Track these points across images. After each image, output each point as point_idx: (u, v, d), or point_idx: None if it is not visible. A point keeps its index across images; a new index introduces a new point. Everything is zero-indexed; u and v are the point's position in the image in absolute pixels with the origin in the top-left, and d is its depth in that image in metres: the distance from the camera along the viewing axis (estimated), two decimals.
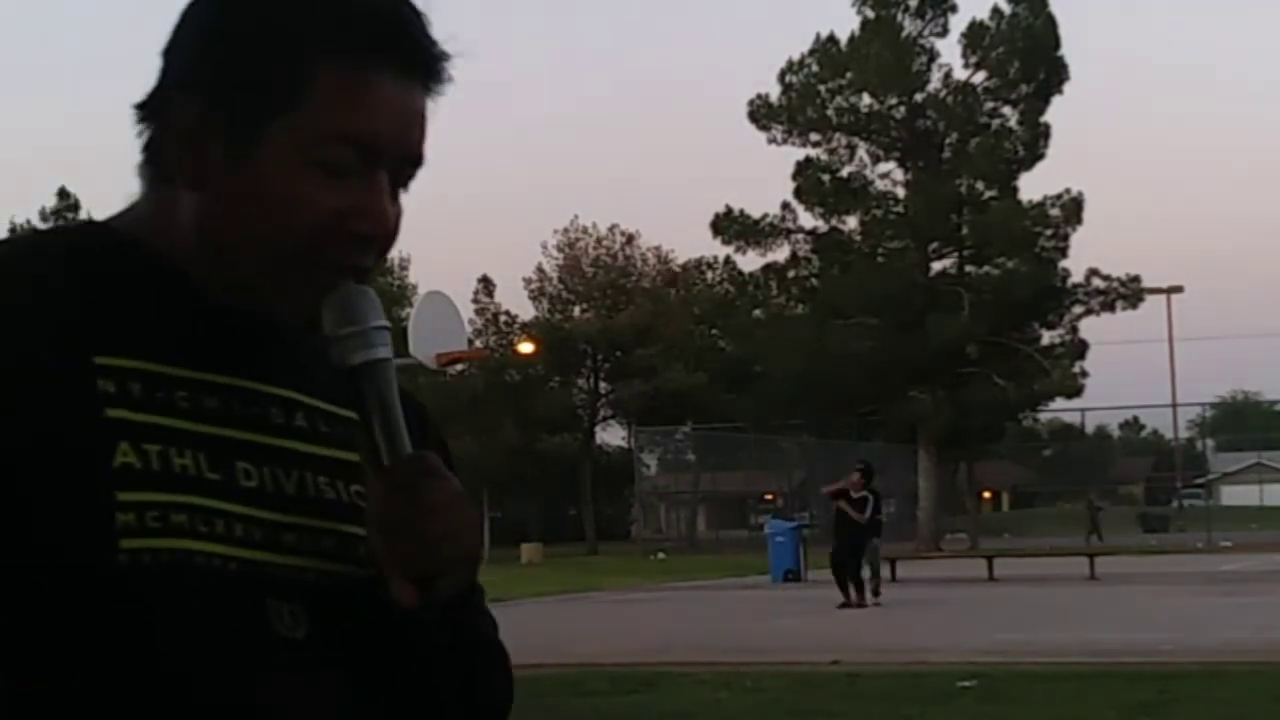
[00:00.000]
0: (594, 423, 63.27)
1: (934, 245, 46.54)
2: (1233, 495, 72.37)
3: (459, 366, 40.18)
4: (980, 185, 46.30)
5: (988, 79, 46.02)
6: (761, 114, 46.66)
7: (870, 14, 45.96)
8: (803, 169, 46.96)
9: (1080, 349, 47.60)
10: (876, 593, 22.93)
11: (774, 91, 46.75)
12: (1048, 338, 47.73)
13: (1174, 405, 55.83)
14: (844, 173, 47.34)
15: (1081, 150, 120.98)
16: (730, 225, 47.41)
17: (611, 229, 62.52)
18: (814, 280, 48.36)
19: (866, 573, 22.86)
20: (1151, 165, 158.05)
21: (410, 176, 1.36)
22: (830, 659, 14.35)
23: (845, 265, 46.51)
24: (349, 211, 1.30)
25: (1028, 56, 45.00)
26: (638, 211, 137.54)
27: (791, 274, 48.56)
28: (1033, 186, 62.04)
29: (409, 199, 1.37)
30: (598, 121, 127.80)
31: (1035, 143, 45.89)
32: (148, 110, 1.36)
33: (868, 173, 47.38)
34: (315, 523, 1.36)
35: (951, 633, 17.27)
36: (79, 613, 1.21)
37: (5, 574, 1.21)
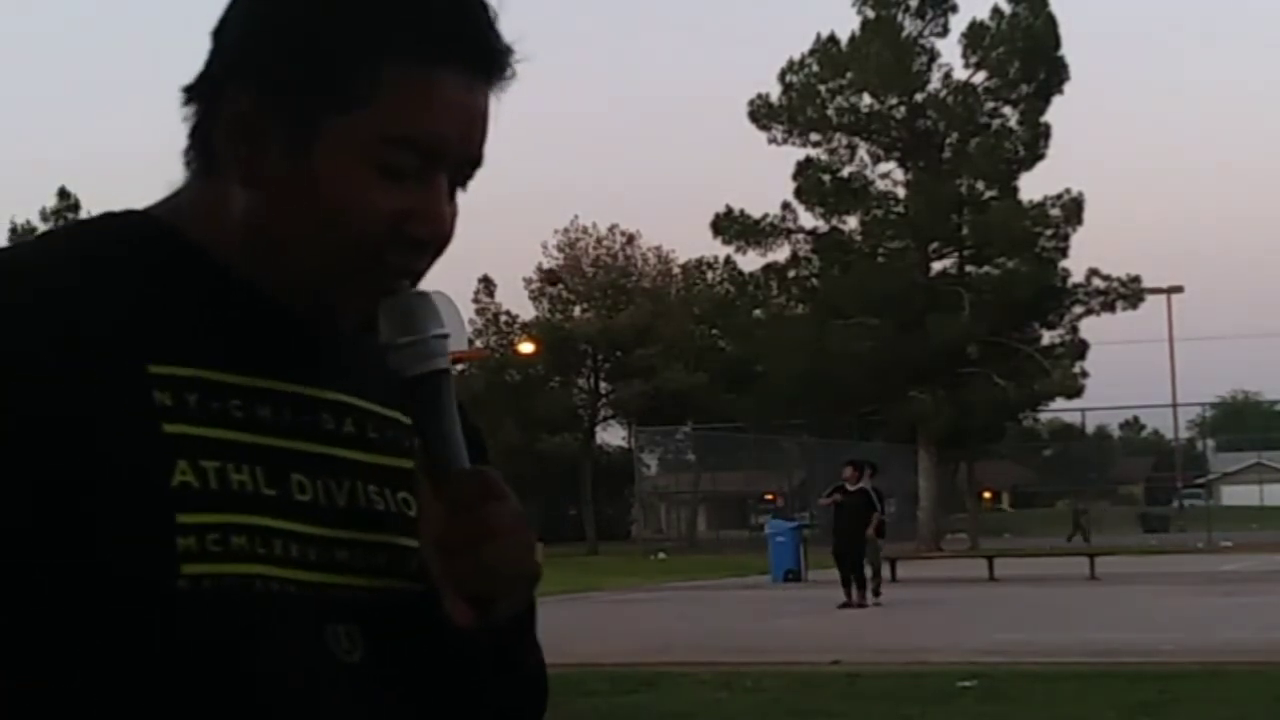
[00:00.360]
0: (594, 423, 63.22)
1: (934, 245, 46.54)
2: (1233, 495, 72.36)
3: (459, 367, 40.12)
4: (980, 185, 46.30)
5: (988, 79, 46.02)
6: (761, 114, 46.66)
7: (870, 14, 45.96)
8: (803, 169, 46.96)
9: (1080, 349, 47.60)
10: (877, 593, 22.93)
11: (774, 91, 46.81)
12: (1048, 338, 47.74)
13: (1174, 405, 55.83)
14: (844, 173, 47.34)
15: (1081, 150, 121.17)
16: (730, 225, 47.41)
17: (611, 229, 62.54)
18: (814, 280, 48.36)
19: (868, 571, 22.86)
20: (1152, 165, 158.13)
21: (469, 177, 1.30)
22: (830, 659, 14.35)
23: (845, 265, 46.51)
24: (407, 215, 1.25)
25: (1028, 56, 44.99)
26: (638, 211, 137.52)
27: (792, 274, 48.55)
28: (1033, 186, 62.00)
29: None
30: (598, 121, 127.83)
31: (1035, 143, 45.88)
32: (196, 94, 1.29)
33: (868, 173, 47.41)
34: (368, 536, 1.31)
35: (951, 633, 17.26)
36: (136, 640, 1.17)
37: (63, 598, 1.16)
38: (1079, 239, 53.31)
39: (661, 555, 47.05)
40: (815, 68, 46.59)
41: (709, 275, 60.93)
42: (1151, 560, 32.47)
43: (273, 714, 1.20)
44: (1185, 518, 58.84)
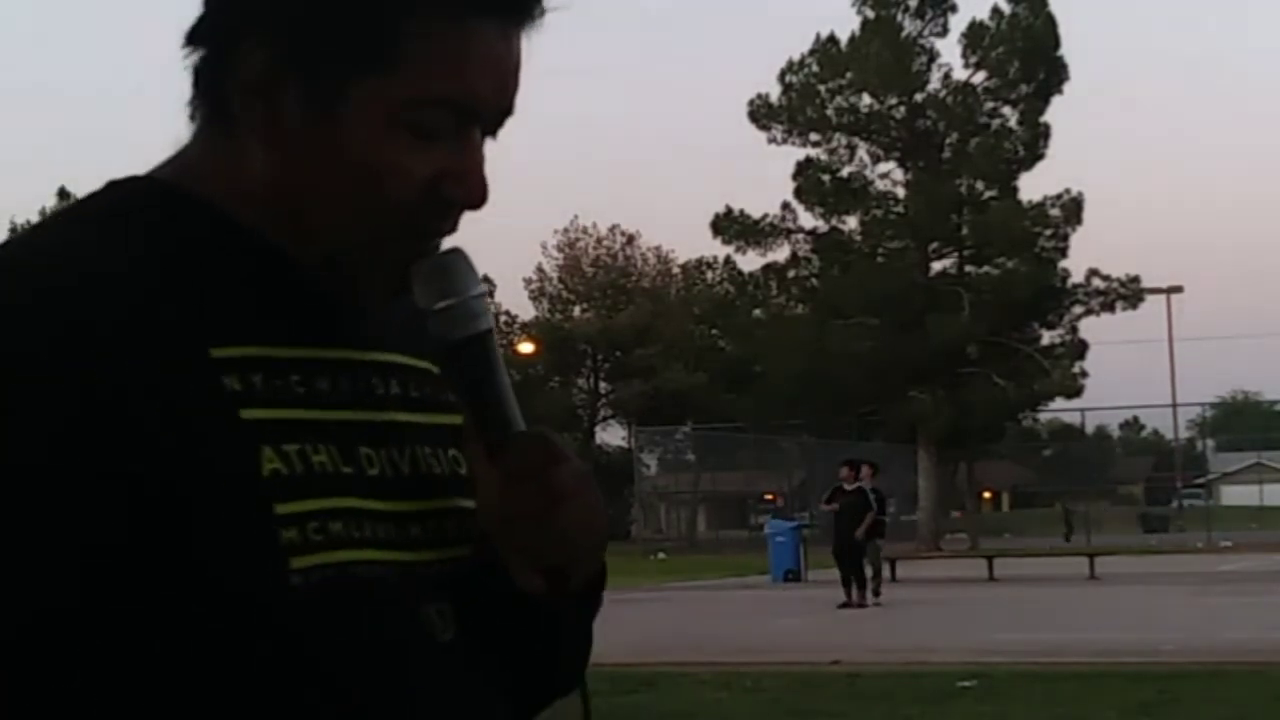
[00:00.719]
0: (594, 423, 63.23)
1: (934, 245, 46.52)
2: (1233, 495, 72.31)
3: None
4: (980, 185, 46.29)
5: (988, 79, 46.01)
6: (761, 114, 46.64)
7: (870, 14, 45.94)
8: (803, 169, 46.95)
9: (1080, 349, 47.59)
10: (877, 593, 22.91)
11: (774, 91, 46.78)
12: (1048, 338, 47.73)
13: (1174, 405, 55.82)
14: (844, 173, 47.32)
15: (1081, 150, 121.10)
16: (730, 225, 47.40)
17: (612, 229, 62.59)
18: (814, 280, 48.34)
19: (868, 571, 22.85)
20: (1151, 165, 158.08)
21: (500, 126, 1.21)
22: (830, 659, 14.34)
23: (845, 265, 46.50)
24: (442, 176, 1.17)
25: (1028, 56, 44.98)
26: (638, 211, 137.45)
27: (791, 274, 48.54)
28: (1033, 186, 61.97)
29: None
30: (598, 121, 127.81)
31: (1035, 143, 45.87)
32: (202, 41, 1.18)
33: (868, 173, 47.39)
34: (434, 504, 1.23)
35: (951, 633, 17.25)
36: (251, 646, 1.08)
37: (171, 615, 1.07)
38: (1079, 239, 53.31)
39: (661, 555, 47.02)
40: (815, 68, 46.58)
41: (709, 275, 60.96)
42: (1151, 560, 32.44)
43: (390, 709, 1.14)
44: (1185, 518, 58.82)
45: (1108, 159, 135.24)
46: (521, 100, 1.23)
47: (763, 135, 46.84)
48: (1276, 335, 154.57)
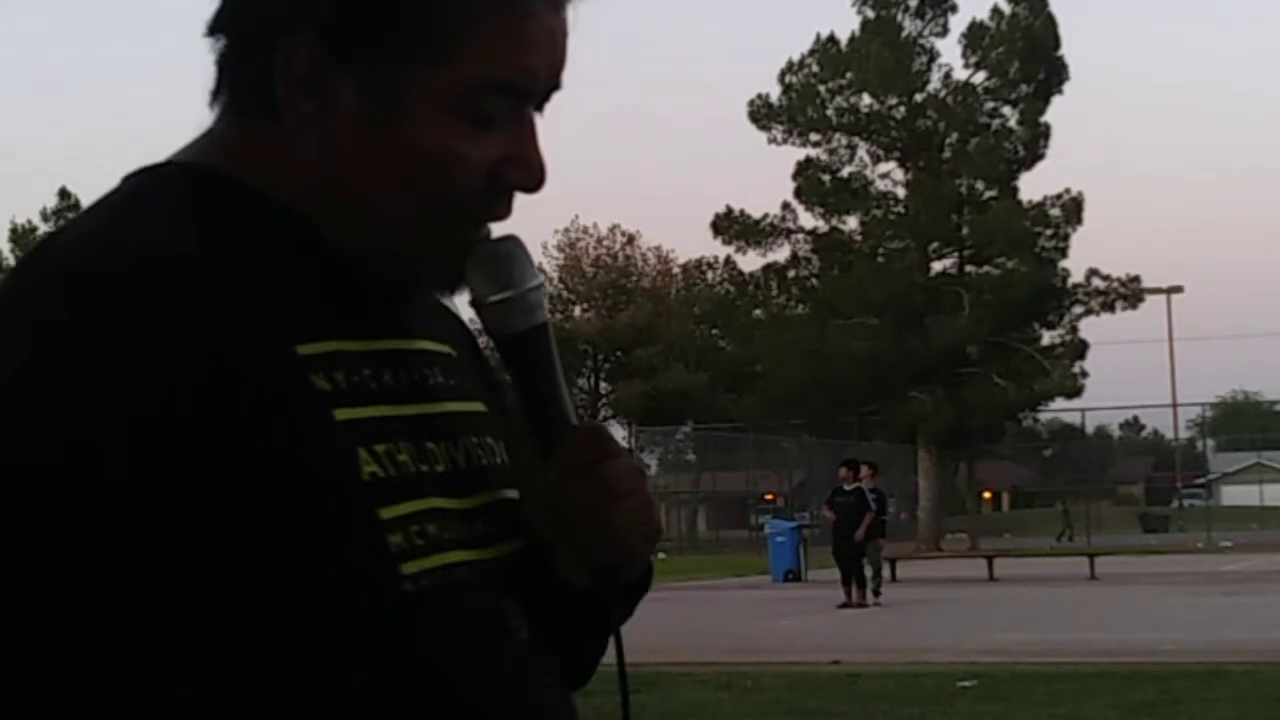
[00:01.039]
0: None
1: (934, 245, 46.54)
2: (1233, 495, 72.30)
3: None
4: (980, 185, 46.31)
5: (988, 79, 46.03)
6: (761, 114, 46.66)
7: (870, 14, 45.96)
8: (803, 169, 46.96)
9: (1080, 349, 47.60)
10: (877, 593, 22.91)
11: (774, 91, 46.80)
12: (1048, 338, 47.75)
13: (1174, 405, 55.95)
14: (844, 173, 47.34)
15: (1081, 150, 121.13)
16: (730, 225, 47.42)
17: (612, 229, 62.61)
18: (814, 280, 48.36)
19: (868, 571, 22.85)
20: (1151, 165, 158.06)
21: (547, 101, 1.19)
22: (830, 659, 14.34)
23: (845, 265, 46.51)
24: (502, 162, 1.15)
25: (1028, 56, 44.99)
26: (638, 211, 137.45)
27: (792, 274, 48.56)
28: (1033, 186, 62.08)
29: None
30: (598, 121, 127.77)
31: (1035, 143, 45.89)
32: (233, 31, 1.14)
33: (868, 173, 47.41)
34: (489, 498, 1.19)
35: (951, 633, 17.25)
36: (374, 659, 1.04)
37: (289, 630, 1.02)
38: (1079, 239, 53.33)
39: (661, 555, 46.98)
40: (815, 68, 46.60)
41: (709, 275, 60.98)
42: (1151, 560, 32.46)
43: (500, 709, 1.13)
44: (1185, 518, 58.87)
45: (1108, 159, 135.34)
46: None
47: (763, 135, 46.92)
48: (1276, 335, 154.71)
